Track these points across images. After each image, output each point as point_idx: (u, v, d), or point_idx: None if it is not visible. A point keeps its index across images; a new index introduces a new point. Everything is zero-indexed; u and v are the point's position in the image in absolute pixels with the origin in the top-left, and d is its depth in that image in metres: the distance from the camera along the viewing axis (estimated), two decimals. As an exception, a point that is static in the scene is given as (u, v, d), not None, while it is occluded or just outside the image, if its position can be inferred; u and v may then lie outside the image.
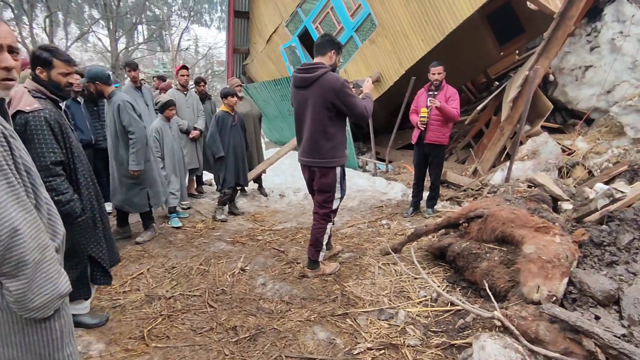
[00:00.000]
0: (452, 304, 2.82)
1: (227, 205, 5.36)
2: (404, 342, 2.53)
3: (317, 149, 3.19)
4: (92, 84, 3.93)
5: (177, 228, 4.83)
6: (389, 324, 2.77)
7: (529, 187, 3.50)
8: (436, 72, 4.53)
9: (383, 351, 2.47)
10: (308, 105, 3.13)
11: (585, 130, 5.44)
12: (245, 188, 6.16)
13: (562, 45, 5.30)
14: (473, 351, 2.10)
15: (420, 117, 4.62)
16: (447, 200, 5.64)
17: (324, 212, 3.40)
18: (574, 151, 4.91)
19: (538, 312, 2.15)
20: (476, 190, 5.76)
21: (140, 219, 4.46)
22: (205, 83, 6.43)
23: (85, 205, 2.35)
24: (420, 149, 4.85)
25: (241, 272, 3.67)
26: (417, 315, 2.85)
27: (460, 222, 3.25)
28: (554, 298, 2.17)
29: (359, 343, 2.56)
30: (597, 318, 2.02)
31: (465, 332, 2.54)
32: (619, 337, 1.84)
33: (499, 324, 2.29)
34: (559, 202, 3.02)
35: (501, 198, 3.11)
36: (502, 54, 9.13)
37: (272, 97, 9.20)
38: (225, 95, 5.08)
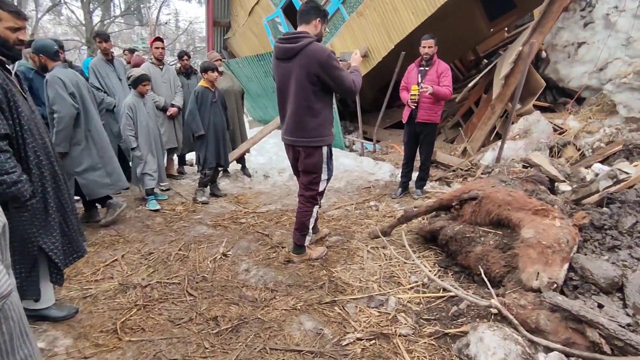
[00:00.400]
0: (445, 290, 2.70)
1: (208, 187, 5.11)
2: (395, 331, 2.40)
3: (301, 126, 2.96)
4: (36, 55, 3.58)
5: (155, 211, 4.57)
6: (379, 312, 2.64)
7: (524, 167, 3.36)
8: (427, 46, 4.29)
9: (374, 341, 2.33)
10: (291, 78, 2.88)
11: (576, 109, 5.34)
12: (228, 169, 5.89)
13: (556, 21, 5.10)
14: (470, 342, 1.98)
15: (411, 95, 4.40)
16: (436, 180, 5.52)
17: (310, 195, 3.20)
18: (565, 130, 4.80)
19: (538, 300, 2.03)
20: (466, 171, 5.64)
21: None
22: (189, 57, 6.02)
23: (36, 188, 2.06)
24: (411, 127, 4.66)
25: (223, 257, 3.47)
26: (408, 302, 2.72)
27: (453, 204, 3.10)
28: (555, 285, 2.05)
29: (348, 333, 2.41)
30: (600, 306, 1.91)
31: (459, 320, 2.42)
32: (624, 327, 1.73)
33: (495, 312, 2.17)
34: (555, 184, 2.89)
35: (496, 179, 2.97)
36: (492, 30, 8.89)
37: (255, 73, 8.79)
38: (204, 69, 4.74)
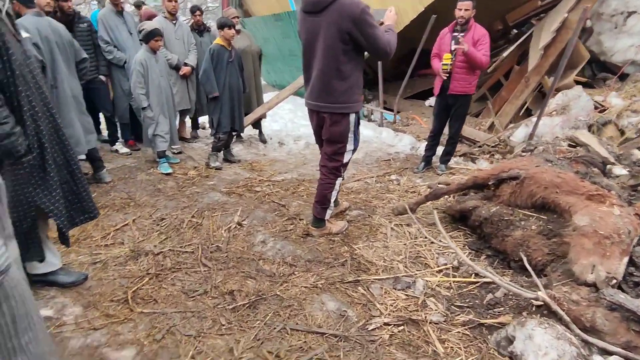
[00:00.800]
0: (478, 275, 2.50)
1: (221, 152, 4.88)
2: (425, 317, 2.23)
3: (328, 90, 2.68)
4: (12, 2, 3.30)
5: (167, 174, 4.38)
6: (407, 295, 2.46)
7: (571, 146, 3.07)
8: (463, 8, 3.86)
9: (402, 327, 2.17)
10: (319, 35, 2.58)
11: (618, 86, 4.92)
12: (242, 134, 5.63)
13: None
14: (515, 337, 1.78)
15: (443, 64, 4.03)
16: (460, 156, 5.22)
17: (334, 166, 2.96)
18: (607, 108, 4.43)
19: (594, 296, 1.82)
20: (493, 147, 5.33)
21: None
22: (202, 12, 5.59)
23: (32, 142, 1.83)
24: (443, 99, 4.31)
25: (238, 227, 3.29)
26: (437, 285, 2.53)
27: (490, 183, 2.84)
28: (614, 281, 1.83)
29: (374, 317, 2.25)
30: (669, 307, 1.69)
31: (495, 310, 2.23)
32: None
33: (539, 304, 1.96)
34: (607, 166, 2.62)
35: (540, 158, 2.69)
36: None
37: (272, 34, 8.32)
38: (221, 26, 4.37)
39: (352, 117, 2.81)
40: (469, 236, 3.05)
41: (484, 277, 2.43)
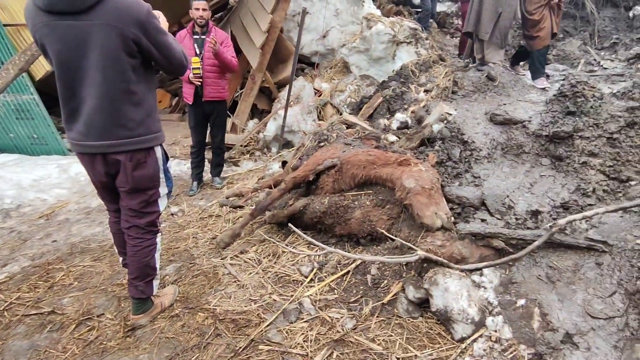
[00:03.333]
0: (347, 265, 2.72)
1: None
2: (342, 329, 2.23)
3: (119, 122, 2.01)
4: None
5: None
6: (306, 321, 2.36)
7: (347, 127, 3.73)
8: (201, 7, 3.76)
9: (336, 354, 2.08)
10: (88, 46, 1.86)
11: (316, 73, 6.32)
12: None
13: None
14: (433, 297, 2.12)
15: (193, 69, 3.81)
16: (222, 163, 5.22)
17: (148, 221, 2.30)
18: (321, 92, 5.63)
19: (448, 235, 2.40)
20: (245, 147, 5.64)
21: None
22: None
23: None
24: (198, 108, 4.09)
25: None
26: (320, 295, 2.56)
27: (310, 178, 3.06)
28: (451, 218, 2.48)
29: (305, 364, 2.04)
30: (483, 221, 2.49)
31: (382, 286, 2.53)
32: (510, 229, 2.36)
33: (412, 260, 2.39)
34: (382, 136, 3.40)
35: (340, 144, 3.14)
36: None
37: None
38: None
39: (159, 150, 2.25)
40: (306, 234, 3.21)
41: (353, 263, 2.67)
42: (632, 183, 2.50)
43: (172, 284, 2.78)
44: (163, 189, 2.35)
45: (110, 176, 2.17)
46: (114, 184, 2.20)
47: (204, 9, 3.76)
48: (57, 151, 6.03)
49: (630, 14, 7.98)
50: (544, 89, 4.43)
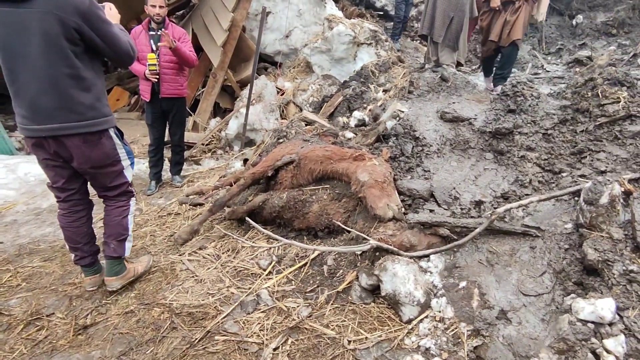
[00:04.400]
0: (304, 257, 2.81)
1: None
2: (298, 317, 2.32)
3: (69, 105, 2.10)
4: None
5: None
6: (263, 312, 2.42)
7: (306, 124, 3.81)
8: (157, 4, 3.74)
9: (291, 341, 2.17)
10: (30, 33, 1.94)
11: (278, 72, 6.37)
12: None
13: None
14: (383, 282, 2.24)
15: (150, 65, 3.78)
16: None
17: (120, 192, 2.50)
18: (284, 91, 5.69)
19: (398, 225, 2.55)
20: (206, 145, 5.62)
21: None
22: None
23: None
24: (156, 105, 4.05)
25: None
26: (278, 287, 2.64)
27: (269, 174, 3.13)
28: (402, 209, 2.63)
29: (260, 350, 2.10)
30: (432, 211, 2.65)
31: (337, 275, 2.63)
32: (455, 218, 2.53)
33: (365, 249, 2.52)
34: (339, 133, 3.51)
35: (299, 140, 3.22)
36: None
37: None
38: None
39: (112, 131, 2.35)
40: (266, 229, 3.27)
41: (311, 254, 2.77)
42: (564, 175, 2.75)
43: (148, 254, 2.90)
44: (125, 162, 2.47)
45: (61, 158, 2.23)
46: (66, 165, 2.27)
47: (160, 6, 3.74)
48: (4, 150, 5.76)
49: (574, 22, 8.61)
50: (491, 90, 4.74)
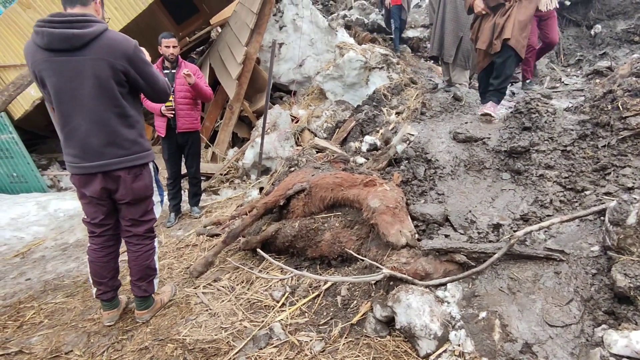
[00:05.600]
0: (317, 288, 2.73)
1: None
2: (311, 352, 2.22)
3: (116, 141, 2.30)
4: None
5: None
6: (275, 347, 2.34)
7: (318, 152, 3.81)
8: (171, 45, 3.91)
9: (304, 378, 2.07)
10: (83, 78, 2.13)
11: (293, 100, 6.47)
12: None
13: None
14: (397, 314, 2.13)
15: (166, 102, 3.91)
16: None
17: (146, 229, 2.59)
18: (299, 119, 5.75)
19: (412, 252, 2.44)
20: (224, 175, 5.69)
21: None
22: None
23: None
24: (172, 140, 4.16)
25: None
26: (291, 319, 2.56)
27: (281, 203, 3.11)
28: (416, 235, 2.53)
29: (273, 390, 2.02)
30: (447, 237, 2.54)
31: (352, 306, 2.54)
32: (473, 243, 2.41)
33: (378, 279, 2.42)
34: (350, 159, 3.48)
35: (310, 168, 3.20)
36: (180, 34, 9.10)
37: None
38: None
39: (151, 165, 2.54)
40: (278, 259, 3.22)
41: (324, 285, 2.69)
42: (587, 193, 2.59)
43: (170, 285, 2.98)
44: (156, 197, 2.61)
45: (106, 192, 2.37)
46: (107, 199, 2.41)
47: (174, 46, 3.91)
48: (37, 188, 6.02)
49: (592, 32, 8.38)
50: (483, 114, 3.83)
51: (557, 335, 1.89)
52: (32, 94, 5.85)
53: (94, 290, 2.64)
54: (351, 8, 9.38)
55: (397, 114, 4.57)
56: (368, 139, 3.70)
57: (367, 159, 3.46)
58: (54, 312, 2.97)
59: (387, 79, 5.70)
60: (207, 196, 5.30)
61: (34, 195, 5.74)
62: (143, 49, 2.41)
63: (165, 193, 4.64)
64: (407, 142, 3.08)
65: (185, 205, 4.78)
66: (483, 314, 2.10)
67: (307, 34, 6.52)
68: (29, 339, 2.66)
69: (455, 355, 2.00)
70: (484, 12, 3.78)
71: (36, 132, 7.65)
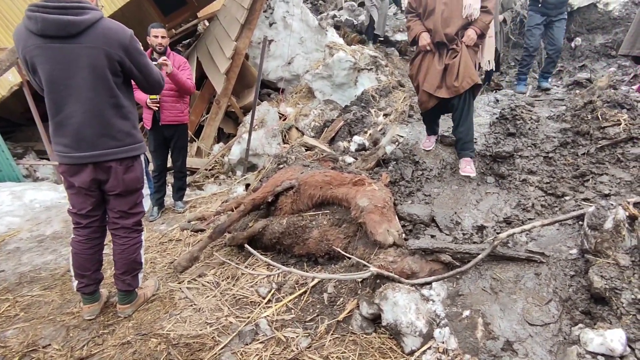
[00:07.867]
0: (304, 284, 2.75)
1: None
2: (297, 348, 2.24)
3: (110, 133, 2.25)
4: None
5: None
6: (261, 342, 2.35)
7: (306, 150, 3.82)
8: (160, 35, 3.84)
9: (290, 374, 2.09)
10: (78, 66, 2.08)
11: (281, 98, 6.46)
12: None
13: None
14: (383, 311, 2.17)
15: (150, 95, 3.84)
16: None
17: (135, 221, 2.56)
18: (286, 116, 5.75)
19: (399, 251, 2.49)
20: (209, 170, 5.64)
21: None
22: None
23: None
24: (158, 133, 4.09)
25: None
26: (278, 315, 2.57)
27: (269, 200, 3.11)
28: (403, 234, 2.58)
29: (259, 386, 2.02)
30: (433, 237, 2.60)
31: (338, 303, 2.56)
32: (458, 243, 2.48)
33: (365, 276, 2.46)
34: (339, 158, 3.51)
35: (299, 165, 3.21)
36: (167, 25, 8.96)
37: None
38: None
39: (142, 157, 2.52)
40: (265, 256, 3.22)
41: (311, 282, 2.71)
42: (567, 198, 2.69)
43: (154, 280, 2.95)
44: (145, 190, 2.59)
45: (96, 182, 2.32)
46: (96, 190, 2.36)
47: (162, 37, 3.84)
48: (12, 178, 5.81)
49: (572, 45, 8.68)
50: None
51: (536, 334, 1.97)
52: (10, 79, 5.65)
53: (75, 283, 2.58)
54: (341, 9, 9.42)
55: (385, 115, 4.63)
56: (357, 139, 3.74)
57: (356, 159, 3.50)
58: (30, 305, 2.89)
59: (376, 81, 5.77)
60: (192, 191, 5.24)
61: (8, 184, 5.53)
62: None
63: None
64: (396, 143, 3.13)
65: (169, 200, 4.71)
66: (466, 313, 2.16)
67: (297, 32, 6.52)
68: (4, 332, 2.58)
69: (439, 352, 2.05)
70: (428, 48, 3.26)
71: (11, 120, 7.39)
